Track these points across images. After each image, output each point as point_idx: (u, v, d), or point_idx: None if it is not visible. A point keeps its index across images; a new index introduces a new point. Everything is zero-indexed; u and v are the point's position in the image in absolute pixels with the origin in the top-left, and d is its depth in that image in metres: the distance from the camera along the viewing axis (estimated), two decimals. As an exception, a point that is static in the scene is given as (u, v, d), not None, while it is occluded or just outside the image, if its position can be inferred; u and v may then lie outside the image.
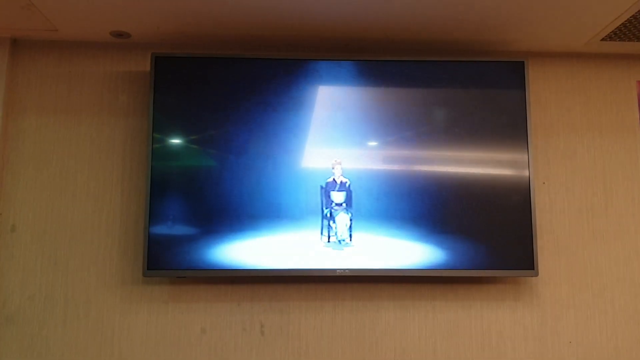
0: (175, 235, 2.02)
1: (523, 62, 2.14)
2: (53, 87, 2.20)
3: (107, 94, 2.20)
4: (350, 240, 2.04)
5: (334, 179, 2.08)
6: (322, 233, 2.05)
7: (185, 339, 2.09)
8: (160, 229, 2.02)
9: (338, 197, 2.07)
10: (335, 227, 2.05)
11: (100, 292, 2.10)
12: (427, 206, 2.06)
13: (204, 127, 2.07)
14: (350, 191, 2.07)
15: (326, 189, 2.07)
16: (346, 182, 2.07)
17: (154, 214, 2.02)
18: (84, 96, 2.20)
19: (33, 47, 2.21)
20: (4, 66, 2.14)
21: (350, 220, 2.05)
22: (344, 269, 2.03)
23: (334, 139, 2.09)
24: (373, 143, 2.10)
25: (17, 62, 2.19)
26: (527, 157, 2.10)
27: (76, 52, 2.21)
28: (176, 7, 1.93)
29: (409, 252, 2.05)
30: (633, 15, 1.93)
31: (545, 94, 2.27)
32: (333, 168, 2.08)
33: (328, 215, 2.06)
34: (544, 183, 2.23)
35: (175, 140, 2.06)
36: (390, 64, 2.13)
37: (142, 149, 2.16)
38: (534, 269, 2.06)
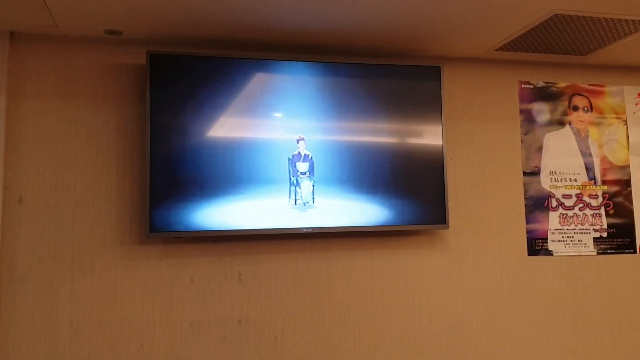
0: (169, 203, 2.45)
1: (439, 66, 2.78)
2: (50, 76, 2.50)
3: (100, 83, 2.54)
4: (313, 202, 2.59)
5: (299, 152, 2.60)
6: (290, 197, 2.59)
7: (177, 288, 2.55)
8: (158, 200, 2.44)
9: (302, 167, 2.60)
10: (301, 192, 2.59)
11: (103, 252, 2.49)
12: (370, 175, 2.65)
13: (191, 111, 2.49)
14: (312, 162, 2.61)
15: (292, 160, 2.60)
16: (309, 155, 2.61)
17: (153, 187, 2.43)
18: (80, 85, 2.52)
19: (30, 40, 2.48)
20: (5, 56, 2.40)
21: (313, 186, 2.60)
22: (308, 227, 2.58)
23: (298, 118, 2.61)
24: (328, 122, 2.64)
25: (16, 53, 2.46)
26: (441, 139, 2.76)
27: (71, 46, 2.52)
28: (165, 12, 2.32)
29: (356, 211, 2.63)
30: (519, 35, 2.63)
31: (454, 90, 2.93)
32: (298, 142, 2.60)
33: (295, 182, 2.59)
34: (451, 159, 2.90)
35: (168, 124, 2.47)
36: (339, 65, 2.68)
37: (134, 131, 2.54)
38: (446, 224, 2.74)
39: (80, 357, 2.43)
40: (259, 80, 2.59)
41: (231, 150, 2.53)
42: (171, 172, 2.47)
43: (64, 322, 2.42)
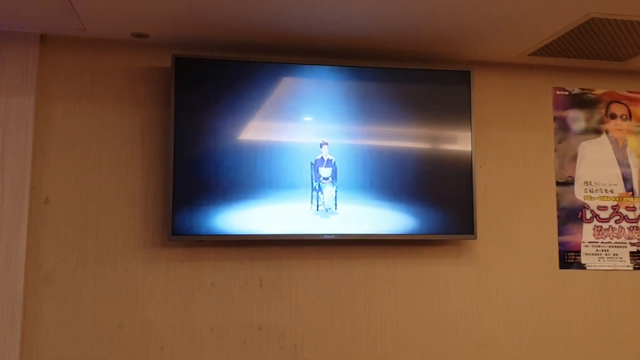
0: (191, 206, 2.45)
1: (469, 71, 2.70)
2: (78, 78, 2.53)
3: (126, 86, 2.56)
4: (336, 209, 2.55)
5: (322, 157, 2.56)
6: (312, 203, 2.55)
7: (198, 292, 2.54)
8: (181, 203, 2.44)
9: (325, 172, 2.56)
10: (323, 198, 2.55)
11: (125, 254, 2.49)
12: (395, 182, 2.59)
13: (215, 115, 2.49)
14: (336, 167, 2.57)
15: (315, 165, 2.56)
16: (332, 159, 2.57)
17: (176, 190, 2.43)
18: (106, 87, 2.55)
19: (59, 43, 2.51)
20: (36, 58, 2.44)
21: (335, 192, 2.56)
22: (330, 234, 2.54)
23: (323, 122, 2.57)
24: (353, 127, 2.59)
25: (45, 56, 2.50)
26: (471, 146, 2.68)
27: (98, 49, 2.55)
28: (191, 16, 2.32)
29: (380, 219, 2.57)
30: (554, 40, 2.53)
31: (485, 96, 2.84)
32: (321, 147, 2.57)
33: (317, 187, 2.55)
34: (480, 166, 2.81)
35: (192, 128, 2.47)
36: (366, 69, 2.63)
37: (159, 134, 2.55)
38: (474, 234, 2.66)
39: (101, 359, 2.44)
40: (284, 85, 2.56)
41: (254, 154, 2.51)
42: (194, 176, 2.46)
43: (86, 323, 2.44)
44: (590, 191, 2.90)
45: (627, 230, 2.91)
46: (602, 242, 2.88)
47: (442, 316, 2.71)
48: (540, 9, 2.24)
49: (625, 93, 2.99)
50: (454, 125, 2.69)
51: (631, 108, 2.98)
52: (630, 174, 2.93)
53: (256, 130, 2.53)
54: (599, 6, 2.19)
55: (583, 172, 2.91)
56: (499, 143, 2.86)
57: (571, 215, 2.88)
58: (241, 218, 2.48)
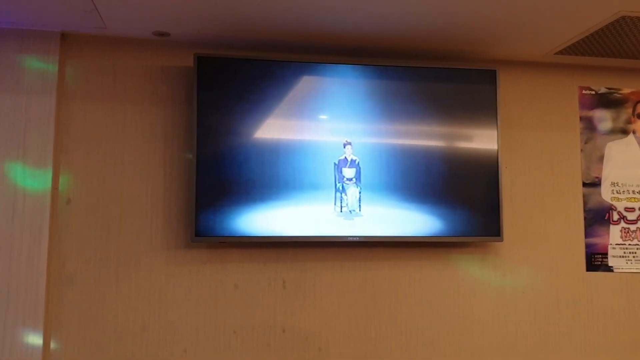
0: (215, 207, 2.41)
1: (495, 70, 2.66)
2: (99, 77, 2.50)
3: (148, 85, 2.53)
4: (360, 210, 2.51)
5: (345, 157, 2.52)
6: (335, 204, 2.51)
7: (221, 293, 2.50)
8: (204, 204, 2.40)
9: (349, 172, 2.52)
10: (347, 199, 2.51)
11: (148, 255, 2.46)
12: (420, 182, 2.55)
13: (238, 114, 2.45)
14: (359, 167, 2.53)
15: (338, 166, 2.52)
16: (356, 160, 2.53)
17: (199, 191, 2.40)
18: (128, 86, 2.52)
19: (80, 41, 2.49)
20: (57, 57, 2.42)
21: (360, 193, 2.52)
22: (354, 236, 2.50)
23: (346, 122, 2.53)
24: (376, 127, 2.55)
25: (66, 54, 2.47)
26: (496, 146, 2.63)
27: (119, 47, 2.52)
28: (213, 15, 2.28)
29: (404, 220, 2.53)
30: (581, 38, 2.49)
31: (510, 95, 2.79)
32: (344, 147, 2.53)
33: (340, 188, 2.51)
34: (506, 167, 2.76)
35: (215, 127, 2.44)
36: (389, 67, 2.59)
37: (181, 134, 2.52)
38: (500, 236, 2.61)
39: (123, 361, 2.41)
40: (306, 84, 2.53)
41: (277, 155, 2.48)
42: (217, 176, 2.43)
43: (108, 325, 2.41)
44: (617, 192, 2.85)
45: (655, 232, 2.86)
46: (629, 244, 2.83)
47: (467, 319, 2.67)
48: (569, 7, 2.19)
49: (653, 92, 2.94)
50: (479, 125, 2.65)
51: (659, 107, 2.93)
52: (658, 175, 2.88)
53: (279, 130, 2.50)
54: (630, 4, 2.15)
55: (610, 173, 2.86)
56: (525, 143, 2.81)
57: (598, 217, 2.83)
58: (264, 219, 2.45)
